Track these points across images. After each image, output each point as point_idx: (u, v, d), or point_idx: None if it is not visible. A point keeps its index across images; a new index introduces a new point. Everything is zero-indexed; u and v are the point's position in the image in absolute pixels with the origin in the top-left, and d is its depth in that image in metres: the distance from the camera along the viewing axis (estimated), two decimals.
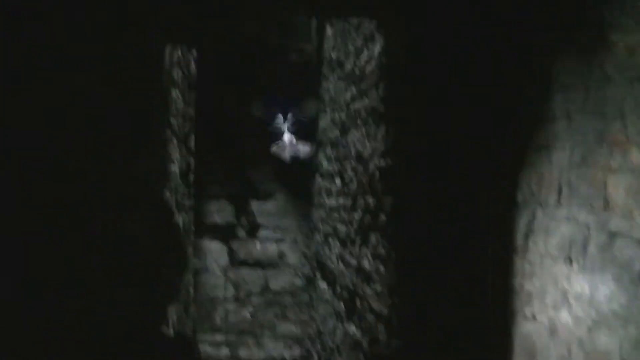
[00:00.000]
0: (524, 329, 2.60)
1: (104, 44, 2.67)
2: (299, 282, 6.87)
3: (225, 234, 6.73)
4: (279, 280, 6.85)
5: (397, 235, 3.36)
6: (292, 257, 6.88)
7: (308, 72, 6.50)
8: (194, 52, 4.31)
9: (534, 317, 2.51)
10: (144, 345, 2.71)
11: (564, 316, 2.27)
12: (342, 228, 5.04)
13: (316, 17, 6.01)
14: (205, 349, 6.56)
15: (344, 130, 5.03)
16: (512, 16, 2.84)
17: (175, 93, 3.33)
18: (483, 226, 3.03)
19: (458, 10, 3.05)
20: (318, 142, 6.39)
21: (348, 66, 4.93)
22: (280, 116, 6.50)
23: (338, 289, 5.18)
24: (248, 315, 6.75)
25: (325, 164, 5.95)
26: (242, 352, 6.74)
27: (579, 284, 2.18)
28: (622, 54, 2.00)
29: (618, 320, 1.95)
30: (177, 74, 3.40)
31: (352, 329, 4.53)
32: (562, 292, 2.30)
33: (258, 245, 6.81)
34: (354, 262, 4.54)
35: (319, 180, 6.28)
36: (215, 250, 6.71)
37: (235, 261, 6.76)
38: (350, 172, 4.76)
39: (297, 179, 6.74)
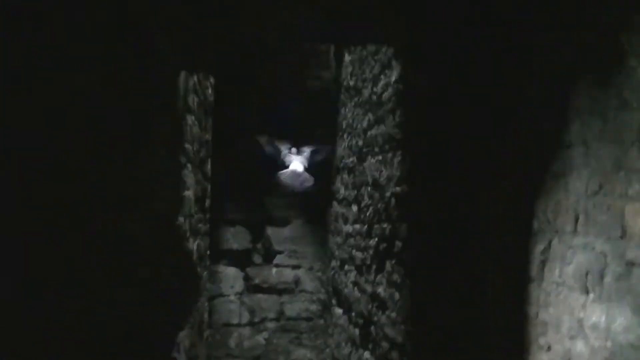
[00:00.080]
0: (538, 359, 2.55)
1: (104, 44, 2.67)
2: (314, 308, 6.82)
3: (241, 259, 6.72)
4: (295, 306, 6.80)
5: (411, 261, 3.35)
6: (308, 283, 6.84)
7: (325, 99, 6.53)
8: (211, 78, 4.35)
9: (549, 348, 2.46)
10: (144, 345, 2.69)
11: (580, 346, 2.23)
12: (358, 254, 5.02)
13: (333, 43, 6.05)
14: None
15: (361, 157, 5.04)
16: (512, 16, 2.84)
17: (190, 119, 3.35)
18: (483, 226, 3.01)
19: (458, 11, 3.08)
20: (335, 168, 6.39)
21: (365, 93, 4.95)
22: (289, 146, 6.51)
23: (353, 315, 5.15)
24: (263, 341, 6.71)
25: (342, 190, 5.95)
26: None
27: (595, 314, 2.14)
28: None
29: (635, 352, 1.91)
30: (192, 100, 3.42)
31: (367, 355, 4.49)
32: (578, 322, 2.26)
33: (274, 271, 6.78)
34: (369, 288, 4.51)
35: (335, 206, 6.28)
36: (231, 276, 6.68)
37: (251, 287, 6.73)
38: (366, 199, 4.76)
39: (314, 205, 6.74)
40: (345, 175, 5.83)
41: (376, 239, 4.32)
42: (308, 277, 6.84)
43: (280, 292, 6.78)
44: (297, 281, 6.82)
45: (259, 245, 6.77)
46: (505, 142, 2.85)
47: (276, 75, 6.34)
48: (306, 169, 6.50)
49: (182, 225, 3.17)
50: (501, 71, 2.92)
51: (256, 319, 6.72)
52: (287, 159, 6.45)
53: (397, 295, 3.63)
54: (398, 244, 3.65)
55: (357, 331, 4.95)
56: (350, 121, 5.66)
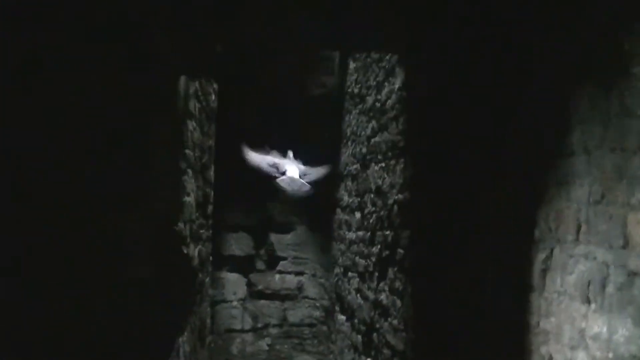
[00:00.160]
0: None
1: (104, 43, 2.67)
2: (317, 314, 6.81)
3: (244, 265, 6.72)
4: (298, 312, 6.79)
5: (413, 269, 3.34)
6: (311, 290, 6.83)
7: (329, 106, 6.53)
8: (214, 84, 4.33)
9: (550, 357, 2.44)
10: (142, 346, 2.68)
11: (581, 357, 2.20)
12: (361, 261, 5.01)
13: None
14: None
15: (365, 164, 5.03)
16: (512, 16, 2.83)
17: (191, 125, 3.34)
18: (483, 229, 2.99)
19: (458, 11, 3.07)
20: (339, 175, 6.39)
21: (369, 100, 4.95)
22: (289, 152, 6.50)
23: (356, 322, 5.13)
24: (265, 347, 6.69)
25: (345, 197, 5.94)
26: None
27: (597, 324, 2.12)
28: None
29: None
30: (194, 105, 3.41)
31: None
32: (579, 332, 2.23)
33: (277, 277, 6.78)
34: (371, 295, 4.49)
35: (339, 213, 6.27)
36: (233, 282, 6.68)
37: (254, 293, 6.72)
38: (369, 206, 4.75)
39: (318, 212, 6.73)
40: (349, 183, 5.83)
41: (379, 246, 4.31)
42: (311, 283, 6.83)
43: (283, 299, 6.78)
44: (300, 287, 6.81)
45: (262, 252, 6.77)
46: (505, 142, 2.84)
47: (280, 82, 6.34)
48: (301, 177, 6.48)
49: (182, 230, 3.16)
50: (501, 71, 2.91)
51: (259, 325, 6.72)
52: (284, 166, 6.44)
53: (398, 303, 3.62)
54: (400, 251, 3.64)
55: (359, 338, 4.94)
56: (355, 128, 5.66)
